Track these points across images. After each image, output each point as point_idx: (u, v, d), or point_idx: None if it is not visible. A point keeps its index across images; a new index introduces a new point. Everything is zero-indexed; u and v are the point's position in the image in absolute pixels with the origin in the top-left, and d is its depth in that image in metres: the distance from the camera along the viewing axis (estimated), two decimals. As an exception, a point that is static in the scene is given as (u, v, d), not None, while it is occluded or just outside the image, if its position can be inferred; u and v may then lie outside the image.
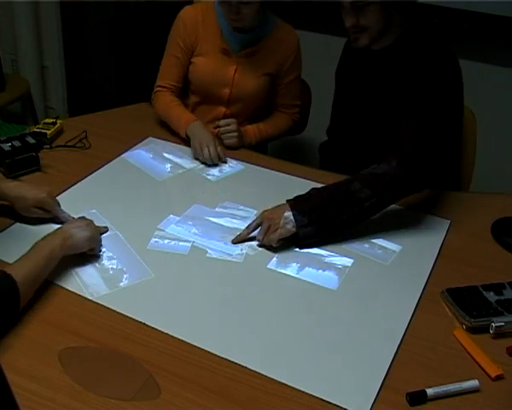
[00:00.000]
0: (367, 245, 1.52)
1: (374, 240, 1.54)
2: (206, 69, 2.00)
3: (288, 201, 1.50)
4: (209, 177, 1.80)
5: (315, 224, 1.47)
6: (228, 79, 1.99)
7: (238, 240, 1.50)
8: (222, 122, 1.94)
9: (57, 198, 1.54)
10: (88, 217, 1.45)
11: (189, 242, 1.49)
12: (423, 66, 1.59)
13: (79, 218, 1.44)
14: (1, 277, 1.14)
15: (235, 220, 1.58)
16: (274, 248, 1.48)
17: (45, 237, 1.30)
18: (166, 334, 1.21)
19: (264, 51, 1.98)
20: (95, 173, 1.77)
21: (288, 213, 1.47)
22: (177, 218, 1.58)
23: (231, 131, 1.93)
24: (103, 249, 1.43)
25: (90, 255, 1.40)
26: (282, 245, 1.48)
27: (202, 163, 1.86)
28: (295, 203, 1.49)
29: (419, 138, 1.53)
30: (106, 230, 1.49)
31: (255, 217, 1.53)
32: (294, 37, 2.02)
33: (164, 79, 2.04)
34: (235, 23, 1.90)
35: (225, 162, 1.87)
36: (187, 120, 1.93)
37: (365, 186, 1.50)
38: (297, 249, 1.49)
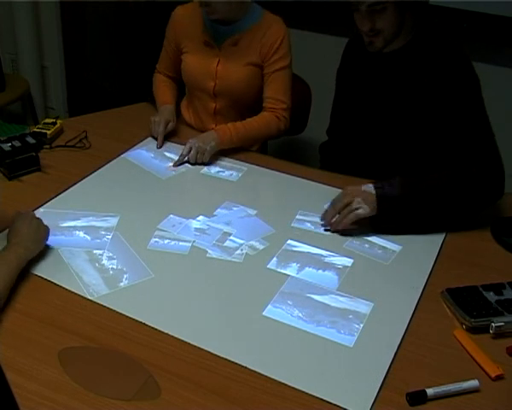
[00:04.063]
0: (367, 245, 1.52)
1: (374, 240, 1.54)
2: (191, 63, 2.03)
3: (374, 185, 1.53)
4: (209, 177, 1.81)
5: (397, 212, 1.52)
6: (211, 71, 1.99)
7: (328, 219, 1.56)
8: (185, 151, 1.85)
9: (57, 198, 1.54)
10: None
11: (189, 242, 1.49)
12: (446, 76, 1.61)
13: (24, 216, 1.38)
14: None
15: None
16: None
17: (6, 247, 1.31)
18: (166, 334, 1.21)
19: (247, 41, 1.97)
20: (95, 173, 1.77)
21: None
22: (178, 218, 1.58)
23: (198, 149, 1.84)
24: (103, 250, 1.43)
25: (90, 255, 1.40)
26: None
27: (189, 163, 1.86)
28: (381, 187, 1.52)
29: (481, 147, 1.58)
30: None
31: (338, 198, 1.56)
32: (281, 26, 1.98)
33: (159, 64, 2.18)
34: (210, 15, 1.92)
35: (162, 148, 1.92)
36: (163, 101, 2.05)
37: (450, 183, 1.53)
38: (297, 249, 1.49)
